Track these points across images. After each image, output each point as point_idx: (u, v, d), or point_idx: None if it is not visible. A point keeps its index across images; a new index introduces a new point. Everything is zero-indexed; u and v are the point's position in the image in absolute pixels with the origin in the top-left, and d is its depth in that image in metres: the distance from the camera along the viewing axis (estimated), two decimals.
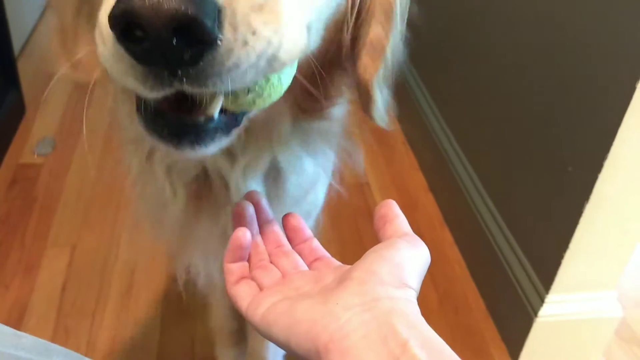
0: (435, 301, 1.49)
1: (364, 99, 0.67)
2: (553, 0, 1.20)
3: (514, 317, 1.36)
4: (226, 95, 0.49)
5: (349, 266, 0.52)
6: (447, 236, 1.69)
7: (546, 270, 1.24)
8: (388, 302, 0.46)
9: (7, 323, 1.30)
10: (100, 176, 1.75)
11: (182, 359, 1.32)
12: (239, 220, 0.60)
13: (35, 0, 2.50)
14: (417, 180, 1.91)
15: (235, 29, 0.42)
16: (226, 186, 0.71)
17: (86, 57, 0.63)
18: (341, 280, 0.50)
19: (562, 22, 1.17)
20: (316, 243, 0.61)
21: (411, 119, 2.03)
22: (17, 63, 2.07)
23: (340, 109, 0.74)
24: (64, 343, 1.34)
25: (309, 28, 0.53)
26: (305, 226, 0.62)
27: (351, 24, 0.62)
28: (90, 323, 1.39)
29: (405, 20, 0.67)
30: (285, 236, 0.62)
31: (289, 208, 0.72)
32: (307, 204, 0.84)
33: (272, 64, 0.46)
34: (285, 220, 0.63)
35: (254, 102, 0.51)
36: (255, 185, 0.71)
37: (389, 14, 0.63)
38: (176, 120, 0.51)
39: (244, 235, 0.58)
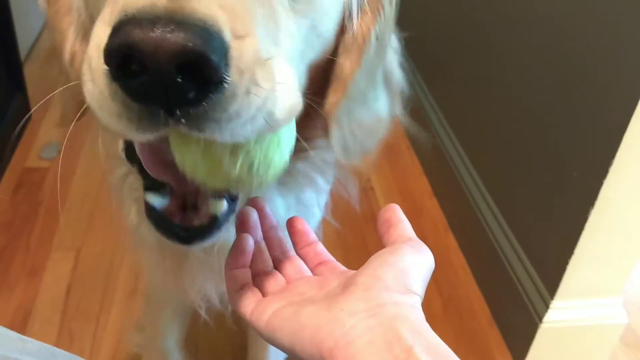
0: (439, 306, 1.49)
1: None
2: (558, 3, 1.20)
3: (519, 322, 1.35)
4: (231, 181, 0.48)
5: (353, 271, 0.52)
6: (451, 241, 1.69)
7: (551, 276, 1.23)
8: (393, 308, 0.46)
9: (11, 326, 1.30)
10: (105, 180, 1.75)
11: None
12: (242, 226, 0.60)
13: None
14: (422, 185, 1.90)
15: (241, 73, 0.40)
16: None
17: None
18: (346, 285, 0.50)
19: (568, 25, 1.17)
20: (321, 247, 0.61)
21: (416, 124, 2.03)
22: (24, 67, 2.08)
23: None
24: (68, 347, 1.34)
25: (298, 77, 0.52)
26: (310, 230, 0.62)
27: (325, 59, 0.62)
28: (94, 327, 1.39)
29: (386, 53, 0.67)
30: (289, 241, 0.62)
31: None
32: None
33: (269, 120, 0.44)
34: (290, 224, 0.62)
35: (256, 173, 0.49)
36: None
37: (361, 48, 0.62)
38: (184, 228, 0.53)
39: (246, 241, 0.58)
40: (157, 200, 0.57)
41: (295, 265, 0.59)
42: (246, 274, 0.58)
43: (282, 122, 0.46)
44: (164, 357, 1.21)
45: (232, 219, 0.59)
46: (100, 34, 0.39)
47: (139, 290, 1.48)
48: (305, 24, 0.54)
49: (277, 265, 0.60)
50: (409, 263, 0.50)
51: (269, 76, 0.43)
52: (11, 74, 1.98)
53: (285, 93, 0.45)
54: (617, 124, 1.02)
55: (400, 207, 0.58)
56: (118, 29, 0.36)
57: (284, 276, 0.58)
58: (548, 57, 1.24)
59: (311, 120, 0.63)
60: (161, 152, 0.52)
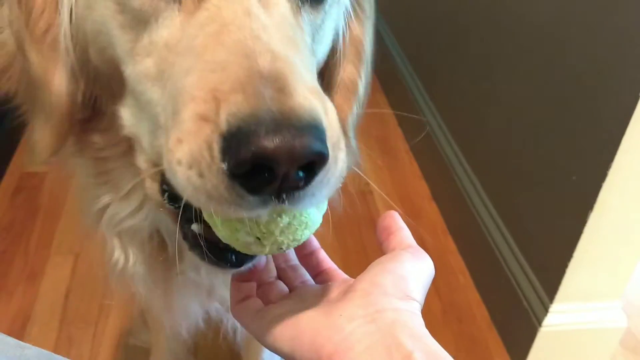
0: (439, 311, 1.49)
1: None
2: (557, 9, 1.20)
3: (518, 326, 1.35)
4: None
5: (355, 280, 0.52)
6: (450, 245, 1.69)
7: (550, 279, 1.23)
8: (392, 313, 0.46)
9: (10, 330, 1.30)
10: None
11: None
12: None
13: None
14: (421, 189, 1.91)
15: (333, 148, 0.43)
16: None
17: None
18: (345, 292, 0.50)
19: (566, 31, 1.17)
20: (323, 254, 0.61)
21: (414, 128, 2.04)
22: None
23: None
24: (67, 351, 1.33)
25: None
26: (312, 237, 0.62)
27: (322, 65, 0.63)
28: (93, 331, 1.38)
29: (370, 59, 0.68)
30: (291, 250, 0.62)
31: None
32: None
33: (338, 184, 0.46)
34: None
35: (301, 233, 0.51)
36: None
37: (360, 53, 0.64)
38: (233, 252, 0.53)
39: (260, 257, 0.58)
40: (198, 229, 0.57)
41: (298, 274, 0.59)
42: (251, 286, 0.58)
43: (341, 182, 0.48)
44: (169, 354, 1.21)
45: None
46: (207, 132, 0.40)
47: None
48: (317, 52, 0.57)
49: (280, 274, 0.60)
50: (409, 270, 0.50)
51: (341, 134, 0.46)
52: None
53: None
54: (616, 127, 1.02)
55: (400, 211, 0.58)
56: (243, 137, 0.39)
57: (286, 285, 0.58)
58: (547, 62, 1.24)
59: None
60: None
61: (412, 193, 1.89)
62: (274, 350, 0.50)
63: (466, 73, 1.67)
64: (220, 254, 0.55)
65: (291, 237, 0.49)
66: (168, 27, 0.49)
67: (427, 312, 1.55)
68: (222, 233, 0.50)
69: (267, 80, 0.41)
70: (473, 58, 1.62)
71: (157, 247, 0.71)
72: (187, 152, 0.42)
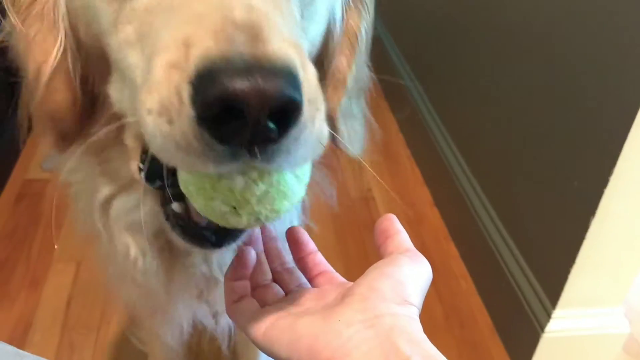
0: (441, 316, 1.49)
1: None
2: (559, 14, 1.20)
3: (521, 332, 1.35)
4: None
5: (352, 283, 0.52)
6: (452, 251, 1.69)
7: (553, 285, 1.23)
8: (390, 318, 0.46)
9: (12, 337, 1.30)
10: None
11: None
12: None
13: None
14: (423, 195, 1.91)
15: (309, 103, 0.41)
16: None
17: None
18: (343, 297, 0.50)
19: (567, 36, 1.17)
20: (320, 257, 0.61)
21: (416, 133, 2.04)
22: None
23: None
24: (69, 358, 1.34)
25: None
26: (309, 240, 0.62)
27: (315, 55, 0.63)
28: (95, 338, 1.38)
29: (369, 48, 0.68)
30: (288, 253, 0.62)
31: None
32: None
33: (322, 141, 0.45)
34: (289, 234, 0.62)
35: (273, 204, 0.49)
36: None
37: (353, 44, 0.64)
38: (220, 229, 0.53)
39: (248, 254, 0.58)
40: (179, 209, 0.57)
41: (294, 277, 0.59)
42: (245, 286, 0.57)
43: (322, 149, 0.47)
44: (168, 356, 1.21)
45: None
46: (175, 78, 0.39)
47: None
48: (308, 31, 0.56)
49: (276, 276, 0.59)
50: (407, 274, 0.50)
51: (321, 97, 0.44)
52: (14, 85, 1.98)
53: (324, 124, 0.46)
54: (617, 133, 1.02)
55: (401, 216, 0.58)
56: (212, 79, 0.37)
57: (282, 288, 0.58)
58: (548, 68, 1.25)
59: None
60: None
61: (414, 199, 1.89)
62: (271, 355, 0.50)
63: (468, 78, 1.67)
64: (200, 233, 0.55)
65: (269, 207, 0.48)
66: None
67: (429, 318, 1.55)
68: (198, 203, 0.48)
69: (242, 29, 0.40)
70: (474, 63, 1.63)
71: (165, 240, 0.70)
72: (156, 100, 0.40)
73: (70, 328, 1.41)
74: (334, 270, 0.59)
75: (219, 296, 0.81)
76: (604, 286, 1.22)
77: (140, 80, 0.47)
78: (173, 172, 0.51)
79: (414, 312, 0.48)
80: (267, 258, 0.61)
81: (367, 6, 0.65)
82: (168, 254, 0.71)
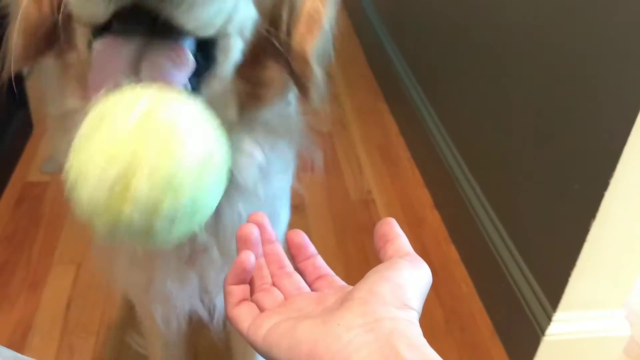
0: (441, 319, 1.48)
1: (301, 79, 0.67)
2: (559, 15, 1.20)
3: (521, 335, 1.35)
4: None
5: (352, 287, 0.52)
6: (453, 254, 1.69)
7: (553, 288, 1.23)
8: (390, 323, 0.46)
9: (11, 340, 1.29)
10: None
11: None
12: (244, 243, 0.60)
13: None
14: (423, 197, 1.90)
15: None
16: None
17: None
18: (343, 301, 0.49)
19: (568, 36, 1.17)
20: (320, 260, 0.61)
21: (416, 135, 2.04)
22: (26, 81, 2.08)
23: (291, 106, 0.74)
24: None
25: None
26: (309, 243, 0.62)
27: None
28: (94, 341, 1.38)
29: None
30: (287, 257, 0.62)
31: (246, 199, 0.73)
32: (267, 198, 0.81)
33: (233, 13, 0.50)
34: (289, 238, 0.62)
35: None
36: None
37: None
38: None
39: (248, 259, 0.58)
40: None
41: (293, 281, 0.58)
42: (245, 289, 0.57)
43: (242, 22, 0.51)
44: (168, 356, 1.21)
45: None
46: None
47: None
48: None
49: (275, 280, 0.59)
50: (406, 278, 0.50)
51: None
52: (13, 88, 1.98)
53: None
54: (618, 135, 1.02)
55: (402, 219, 0.58)
56: None
57: (281, 292, 0.57)
58: (548, 69, 1.25)
59: (263, 62, 0.65)
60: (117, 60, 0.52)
61: (414, 201, 1.89)
62: (270, 359, 0.50)
63: (468, 79, 1.67)
64: None
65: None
66: None
67: (430, 321, 1.55)
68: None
69: None
70: (474, 65, 1.63)
71: None
72: None
73: (70, 331, 1.40)
74: (333, 274, 0.59)
75: (207, 263, 0.81)
76: (604, 289, 1.21)
77: None
78: None
79: (414, 316, 0.48)
80: (267, 262, 0.61)
81: None
82: None
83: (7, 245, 1.63)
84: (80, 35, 0.60)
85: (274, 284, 0.59)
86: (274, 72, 0.69)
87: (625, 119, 1.00)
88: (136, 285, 0.93)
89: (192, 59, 0.53)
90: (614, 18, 1.04)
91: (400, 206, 1.86)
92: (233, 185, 0.73)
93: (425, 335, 0.47)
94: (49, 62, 0.68)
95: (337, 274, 0.60)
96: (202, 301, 0.92)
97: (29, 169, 1.92)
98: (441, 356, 0.45)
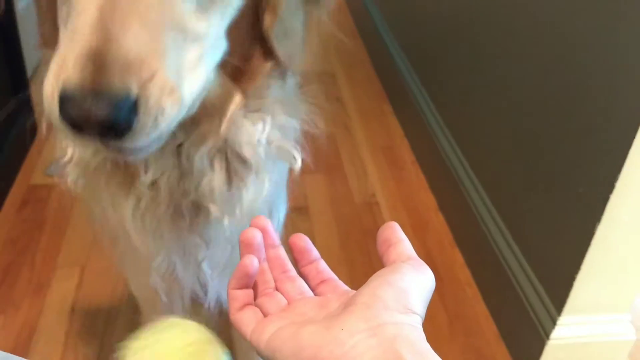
0: (445, 323, 1.48)
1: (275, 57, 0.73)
2: (562, 15, 1.20)
3: (526, 339, 1.34)
4: None
5: (355, 291, 0.52)
6: (457, 257, 1.68)
7: (558, 292, 1.22)
8: (393, 327, 0.46)
9: (16, 343, 1.30)
10: None
11: None
12: (247, 247, 0.60)
13: None
14: (428, 201, 1.90)
15: (148, 113, 0.53)
16: (180, 176, 0.76)
17: None
18: (346, 305, 0.49)
19: (573, 41, 1.17)
20: (323, 265, 0.61)
21: (421, 138, 2.04)
22: (30, 84, 2.09)
23: (289, 81, 0.78)
24: None
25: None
26: (313, 247, 0.62)
27: None
28: (99, 345, 1.38)
29: None
30: (290, 261, 0.62)
31: (254, 174, 0.77)
32: (275, 170, 0.85)
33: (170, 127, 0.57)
34: (292, 242, 0.62)
35: None
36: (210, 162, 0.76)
37: None
38: None
39: (251, 264, 0.58)
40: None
41: (297, 285, 0.58)
42: (249, 294, 0.57)
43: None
44: None
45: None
46: (52, 82, 0.52)
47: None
48: (217, 10, 0.61)
49: (278, 285, 0.59)
50: (410, 282, 0.50)
51: (178, 99, 0.55)
52: (18, 91, 1.99)
53: (185, 103, 0.57)
54: (623, 138, 1.02)
55: (406, 222, 0.58)
56: (62, 103, 0.51)
57: (285, 296, 0.57)
58: (553, 72, 1.24)
59: (249, 71, 0.72)
60: None
61: (419, 204, 1.88)
62: None
63: (473, 82, 1.67)
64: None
65: None
66: None
67: (434, 325, 1.55)
68: None
69: (92, 58, 0.51)
70: (479, 68, 1.62)
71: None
72: (45, 88, 0.53)
73: (75, 334, 1.41)
74: (337, 278, 0.59)
75: (209, 228, 0.84)
76: (609, 293, 1.21)
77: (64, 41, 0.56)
78: None
79: (417, 321, 0.48)
80: (270, 266, 0.61)
81: None
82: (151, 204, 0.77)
83: (11, 248, 1.64)
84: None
85: (277, 289, 0.59)
86: (259, 60, 0.73)
87: (631, 121, 1.00)
88: (140, 261, 0.94)
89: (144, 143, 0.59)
90: (620, 18, 1.03)
91: (404, 209, 1.85)
92: (240, 161, 0.77)
93: (429, 339, 0.47)
94: None
95: (341, 277, 0.60)
96: (200, 283, 0.95)
97: (33, 172, 1.92)
98: None
